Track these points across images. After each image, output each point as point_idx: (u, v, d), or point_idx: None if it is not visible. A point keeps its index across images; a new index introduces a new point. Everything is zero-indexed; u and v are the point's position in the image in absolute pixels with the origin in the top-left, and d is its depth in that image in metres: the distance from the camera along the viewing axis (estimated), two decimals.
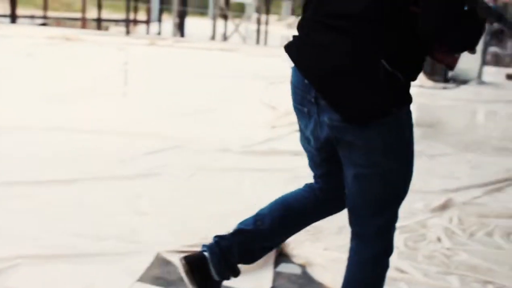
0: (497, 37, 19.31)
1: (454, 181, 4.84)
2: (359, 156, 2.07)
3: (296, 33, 2.17)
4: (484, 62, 10.96)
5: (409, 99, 2.04)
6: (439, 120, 7.29)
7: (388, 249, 2.27)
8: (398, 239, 3.17)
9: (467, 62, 10.49)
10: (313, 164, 2.39)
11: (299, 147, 6.05)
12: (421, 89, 9.46)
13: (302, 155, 5.58)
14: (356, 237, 2.28)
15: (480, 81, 10.42)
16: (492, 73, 11.58)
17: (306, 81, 2.06)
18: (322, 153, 2.24)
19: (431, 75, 10.08)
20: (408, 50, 1.98)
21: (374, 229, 2.22)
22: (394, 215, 2.24)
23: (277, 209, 2.50)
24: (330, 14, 2.00)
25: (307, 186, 2.49)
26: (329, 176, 2.33)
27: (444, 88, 9.66)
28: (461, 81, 10.19)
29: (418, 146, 5.93)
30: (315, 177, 2.42)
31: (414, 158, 2.19)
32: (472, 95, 9.17)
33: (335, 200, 2.36)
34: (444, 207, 4.19)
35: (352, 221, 2.27)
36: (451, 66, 2.14)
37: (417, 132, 6.58)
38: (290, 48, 2.12)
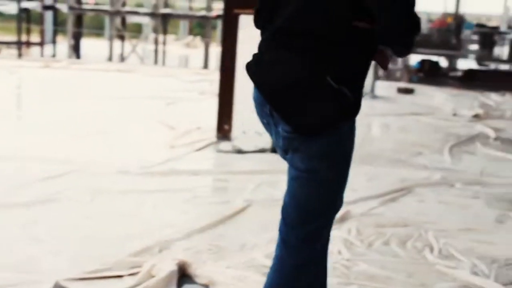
0: None
1: (352, 193, 4.95)
2: (300, 160, 2.19)
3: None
4: (376, 77, 11.33)
5: (354, 114, 2.16)
6: None
7: (310, 262, 2.31)
8: None
9: None
10: None
11: (198, 166, 6.10)
12: None
13: (201, 174, 5.64)
14: (282, 244, 2.32)
15: (373, 95, 10.74)
16: (384, 87, 11.96)
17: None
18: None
19: None
20: (354, 66, 2.13)
21: (302, 237, 2.27)
22: (324, 226, 2.31)
23: None
24: (281, 34, 2.14)
25: None
26: None
27: None
28: None
29: None
30: None
31: (349, 173, 2.28)
32: (366, 109, 9.37)
33: None
34: (343, 219, 4.29)
35: (282, 228, 2.31)
36: (387, 66, 2.29)
37: None
38: (249, 66, 2.26)
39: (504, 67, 20.92)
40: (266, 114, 2.22)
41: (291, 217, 2.27)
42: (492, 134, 8.05)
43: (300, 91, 2.09)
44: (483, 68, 19.51)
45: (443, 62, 19.18)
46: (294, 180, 2.24)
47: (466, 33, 21.09)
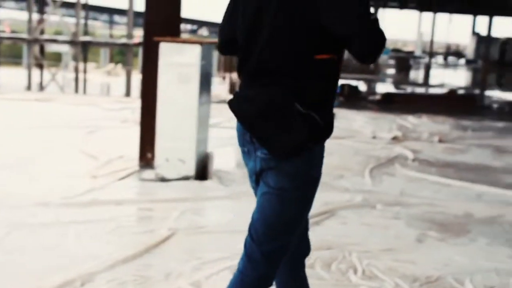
0: None
1: None
2: (272, 178, 2.41)
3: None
4: None
5: (325, 136, 2.42)
6: None
7: (270, 276, 2.51)
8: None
9: None
10: None
11: (121, 196, 6.00)
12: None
13: (124, 204, 5.56)
14: (247, 258, 2.49)
15: None
16: None
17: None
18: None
19: None
20: (320, 93, 2.39)
21: (265, 252, 2.46)
22: (286, 245, 2.50)
23: None
24: (253, 74, 2.44)
25: None
26: None
27: None
28: None
29: (240, 187, 6.07)
30: None
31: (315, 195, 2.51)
32: None
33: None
34: None
35: (248, 243, 2.49)
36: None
37: (238, 173, 6.73)
38: (231, 102, 2.49)
39: (420, 90, 21.63)
40: (247, 142, 2.47)
41: (258, 233, 2.45)
42: (410, 155, 8.29)
43: (273, 119, 2.35)
44: (400, 91, 20.12)
45: (362, 86, 19.68)
46: (264, 196, 2.44)
47: (383, 58, 21.77)
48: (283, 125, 2.34)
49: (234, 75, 15.97)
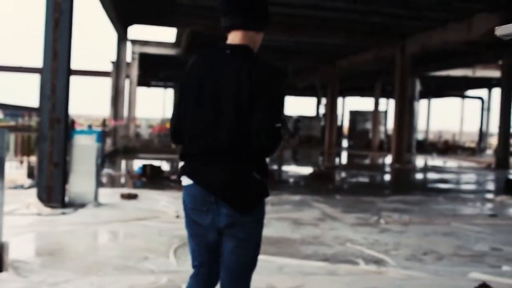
0: (102, 160, 20.22)
1: None
2: (242, 231, 3.22)
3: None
4: (99, 184, 11.24)
5: (268, 192, 3.28)
6: (59, 247, 7.18)
7: None
8: None
9: (82, 186, 10.66)
10: (201, 250, 3.36)
11: None
12: (39, 217, 9.26)
13: None
14: None
15: (97, 203, 10.54)
16: (107, 194, 11.83)
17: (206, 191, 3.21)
18: (213, 237, 3.27)
19: (48, 202, 9.99)
20: (264, 163, 3.24)
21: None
22: (250, 280, 3.38)
23: None
24: (214, 149, 3.17)
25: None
26: (211, 260, 3.35)
27: (63, 213, 9.55)
28: (79, 205, 10.25)
29: (39, 277, 5.79)
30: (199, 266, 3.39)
31: None
32: (90, 218, 9.22)
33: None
34: None
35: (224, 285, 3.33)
36: None
37: (37, 262, 6.45)
38: (189, 173, 3.26)
39: None
40: (210, 203, 3.19)
41: (232, 272, 3.27)
42: None
43: (238, 186, 3.17)
44: None
45: (165, 166, 19.78)
46: (236, 247, 3.23)
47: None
48: (246, 190, 3.18)
49: (33, 159, 15.34)
